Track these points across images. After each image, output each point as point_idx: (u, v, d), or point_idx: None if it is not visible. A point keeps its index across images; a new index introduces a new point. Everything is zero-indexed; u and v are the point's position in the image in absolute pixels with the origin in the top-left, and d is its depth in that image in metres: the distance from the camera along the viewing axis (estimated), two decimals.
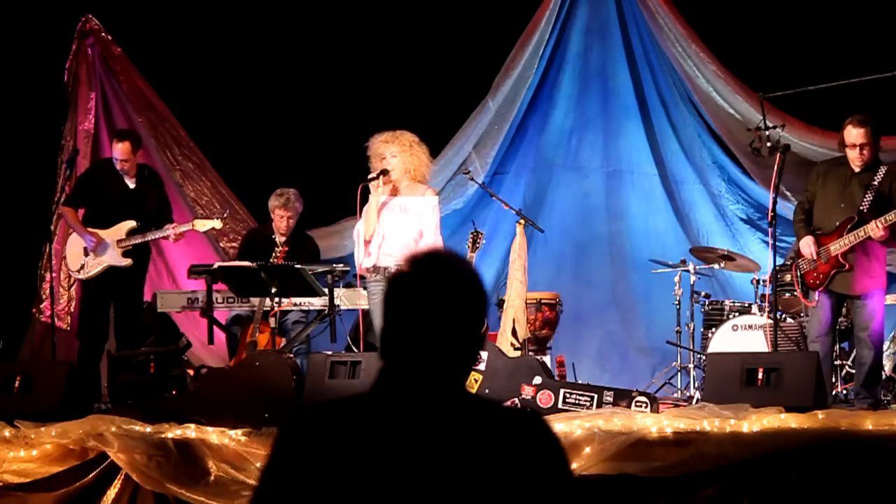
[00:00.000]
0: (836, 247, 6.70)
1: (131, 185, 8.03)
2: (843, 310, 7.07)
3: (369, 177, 6.83)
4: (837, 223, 6.74)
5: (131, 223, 7.94)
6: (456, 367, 2.35)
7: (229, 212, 8.97)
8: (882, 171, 6.74)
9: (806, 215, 6.85)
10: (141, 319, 8.16)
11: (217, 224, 8.10)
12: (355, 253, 6.98)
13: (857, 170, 6.76)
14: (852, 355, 7.30)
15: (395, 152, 6.81)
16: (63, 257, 8.34)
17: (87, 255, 7.92)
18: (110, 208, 7.97)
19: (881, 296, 6.81)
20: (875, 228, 6.58)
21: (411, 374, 2.32)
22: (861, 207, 6.68)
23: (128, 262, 7.91)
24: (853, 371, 7.21)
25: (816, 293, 6.81)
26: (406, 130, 6.91)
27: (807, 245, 6.78)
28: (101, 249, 7.87)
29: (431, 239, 6.86)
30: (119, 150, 7.91)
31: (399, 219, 6.84)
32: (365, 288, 7.07)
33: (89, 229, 7.90)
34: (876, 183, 6.69)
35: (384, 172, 6.79)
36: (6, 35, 9.59)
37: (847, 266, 6.69)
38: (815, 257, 6.75)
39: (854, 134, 6.70)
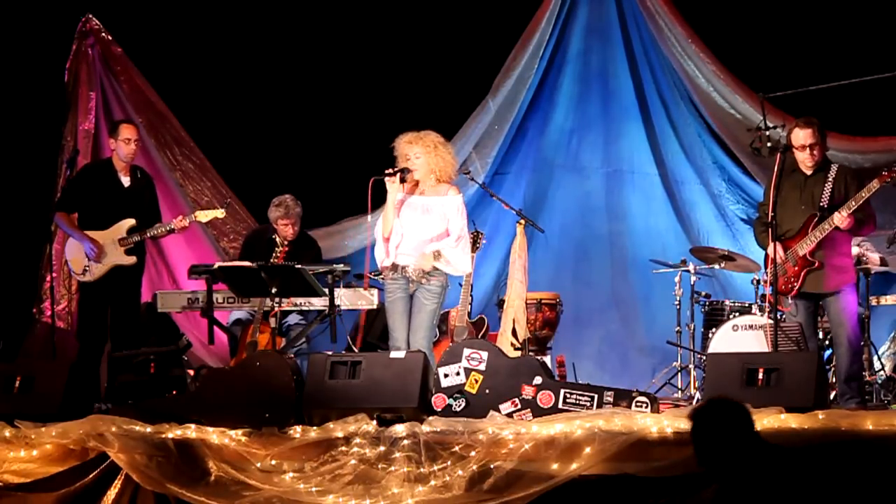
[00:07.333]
0: (804, 246, 6.74)
1: (126, 183, 8.06)
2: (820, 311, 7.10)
3: (386, 172, 6.85)
4: (801, 224, 6.79)
5: (131, 221, 7.96)
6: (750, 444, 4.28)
7: (230, 202, 9.01)
8: (834, 168, 6.84)
9: (766, 227, 6.79)
10: (138, 320, 8.15)
11: (220, 213, 8.21)
12: (376, 250, 7.01)
13: (808, 172, 6.85)
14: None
15: (419, 153, 6.85)
16: (65, 260, 8.33)
17: (89, 258, 7.93)
18: (106, 208, 7.98)
19: (853, 291, 6.87)
20: (841, 217, 6.64)
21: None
22: (821, 204, 6.76)
23: (132, 259, 7.95)
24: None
25: (790, 299, 6.83)
26: (431, 131, 6.94)
27: (775, 252, 6.74)
28: (102, 255, 7.89)
29: (457, 239, 6.85)
30: (130, 131, 8.01)
31: (420, 218, 6.86)
32: (378, 288, 7.15)
33: (87, 234, 7.90)
34: (831, 180, 6.77)
35: (404, 171, 6.84)
36: (6, 35, 9.58)
37: (817, 264, 6.74)
38: (784, 261, 6.76)
39: (801, 135, 6.79)
